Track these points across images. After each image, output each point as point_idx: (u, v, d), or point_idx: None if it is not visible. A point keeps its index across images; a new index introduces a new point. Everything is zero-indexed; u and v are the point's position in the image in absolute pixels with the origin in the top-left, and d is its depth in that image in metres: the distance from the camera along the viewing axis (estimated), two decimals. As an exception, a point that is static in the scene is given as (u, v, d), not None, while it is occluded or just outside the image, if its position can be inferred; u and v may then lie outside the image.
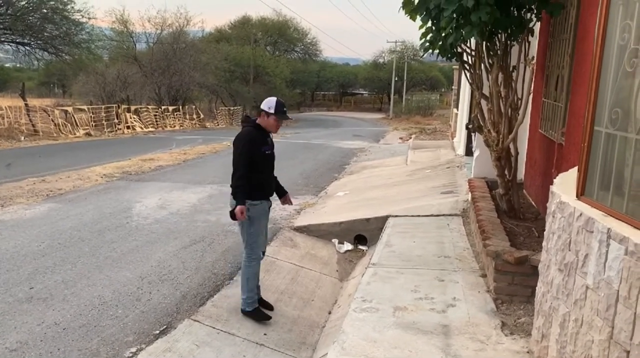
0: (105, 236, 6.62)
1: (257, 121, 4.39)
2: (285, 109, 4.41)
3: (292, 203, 4.96)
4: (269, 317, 4.49)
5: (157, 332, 4.16)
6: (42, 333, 4.08)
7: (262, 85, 43.76)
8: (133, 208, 8.20)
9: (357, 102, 69.70)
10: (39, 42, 25.97)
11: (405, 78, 55.21)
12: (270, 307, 4.70)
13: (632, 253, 2.18)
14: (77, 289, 4.93)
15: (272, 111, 4.31)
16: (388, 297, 4.43)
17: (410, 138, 22.34)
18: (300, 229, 7.22)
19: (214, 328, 4.28)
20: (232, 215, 4.27)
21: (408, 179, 10.58)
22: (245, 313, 4.50)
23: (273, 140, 4.55)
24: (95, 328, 4.18)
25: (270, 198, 4.60)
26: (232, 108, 41.32)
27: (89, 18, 27.24)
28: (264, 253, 4.61)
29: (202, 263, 5.73)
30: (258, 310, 4.50)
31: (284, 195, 4.81)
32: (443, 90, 61.91)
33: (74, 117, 23.16)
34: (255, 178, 4.28)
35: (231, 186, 4.35)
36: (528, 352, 3.43)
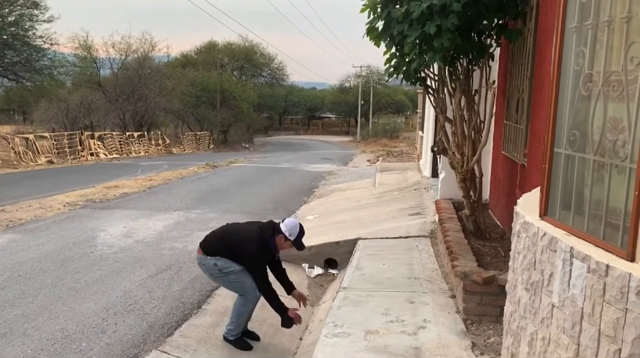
0: (68, 266, 6.42)
1: (270, 240, 4.33)
2: (302, 238, 4.43)
3: (305, 305, 4.67)
4: (251, 347, 4.41)
5: (123, 365, 4.04)
6: (0, 370, 3.91)
7: (229, 109, 43.72)
8: (97, 237, 7.99)
9: (324, 125, 70.38)
10: (-2, 68, 25.48)
11: (371, 101, 56.12)
12: (256, 338, 4.59)
13: (594, 271, 2.24)
14: (39, 323, 4.75)
15: (291, 238, 4.34)
16: (359, 321, 4.41)
17: (378, 160, 22.59)
18: (269, 254, 7.15)
19: (182, 359, 4.17)
20: (288, 323, 4.30)
21: (376, 202, 10.65)
22: (227, 340, 4.42)
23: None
24: (58, 364, 4.03)
25: None
26: (198, 133, 41.06)
27: (51, 44, 26.97)
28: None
29: (170, 292, 5.61)
30: (240, 339, 4.42)
31: (291, 291, 4.59)
32: (408, 113, 63.13)
33: (36, 145, 22.58)
34: None
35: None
36: (499, 372, 3.46)
